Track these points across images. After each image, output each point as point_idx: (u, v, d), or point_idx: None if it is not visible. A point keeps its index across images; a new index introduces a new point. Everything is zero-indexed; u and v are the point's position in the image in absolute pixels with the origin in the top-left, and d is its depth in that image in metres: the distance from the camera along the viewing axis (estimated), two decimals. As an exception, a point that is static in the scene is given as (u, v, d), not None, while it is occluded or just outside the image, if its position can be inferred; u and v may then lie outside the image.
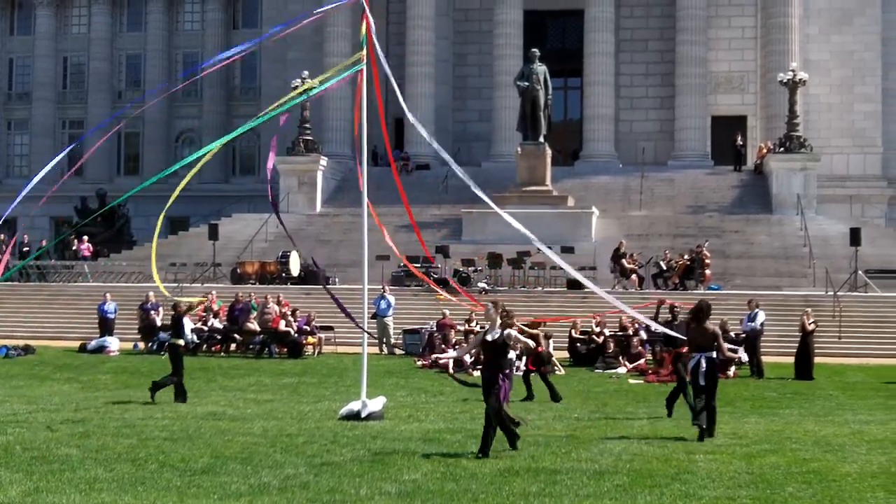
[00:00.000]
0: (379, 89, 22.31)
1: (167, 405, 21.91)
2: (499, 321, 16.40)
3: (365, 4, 20.92)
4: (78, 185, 74.84)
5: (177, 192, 20.97)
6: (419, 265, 47.28)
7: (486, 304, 17.04)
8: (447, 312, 37.74)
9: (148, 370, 30.87)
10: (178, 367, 23.26)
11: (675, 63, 64.50)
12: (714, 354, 18.30)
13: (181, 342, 24.14)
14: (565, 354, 34.89)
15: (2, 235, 59.83)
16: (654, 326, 23.90)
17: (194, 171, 22.66)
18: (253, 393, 24.54)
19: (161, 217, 22.82)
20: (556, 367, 32.23)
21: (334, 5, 24.31)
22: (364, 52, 21.03)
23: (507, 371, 16.71)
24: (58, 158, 24.38)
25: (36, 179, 20.61)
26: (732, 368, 31.49)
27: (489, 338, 16.38)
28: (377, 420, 19.57)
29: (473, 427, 18.89)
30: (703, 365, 18.07)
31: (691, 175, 60.52)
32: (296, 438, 17.25)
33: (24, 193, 20.54)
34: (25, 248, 57.79)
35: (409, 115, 21.62)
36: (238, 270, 48.92)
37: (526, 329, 23.66)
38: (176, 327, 24.33)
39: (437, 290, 25.97)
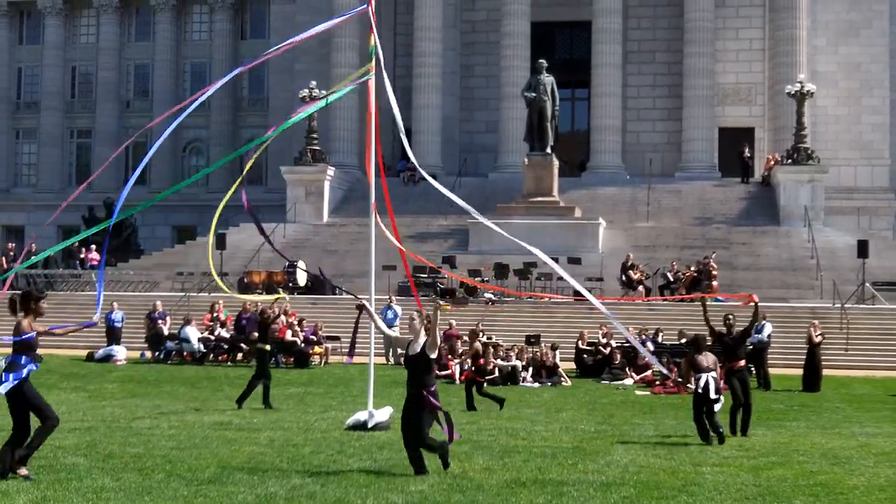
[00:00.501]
0: (375, 101, 22.20)
1: (173, 415, 21.91)
2: (423, 333, 15.56)
3: (372, 18, 20.94)
4: (85, 195, 74.68)
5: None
6: (425, 275, 47.40)
7: (412, 314, 16.15)
8: (453, 323, 37.79)
9: (155, 379, 30.93)
10: (265, 371, 24.15)
11: (682, 74, 64.51)
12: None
13: (268, 347, 24.93)
14: (572, 365, 34.89)
15: (10, 245, 59.95)
16: (639, 348, 23.94)
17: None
18: (259, 403, 24.52)
19: (218, 212, 22.60)
20: (562, 378, 32.27)
21: (344, 17, 24.12)
22: (373, 62, 21.06)
23: (433, 388, 15.33)
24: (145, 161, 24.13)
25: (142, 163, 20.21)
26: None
27: (410, 352, 15.45)
28: (384, 430, 19.56)
29: (480, 438, 18.90)
30: (712, 382, 19.04)
31: (698, 186, 60.50)
32: (302, 448, 17.25)
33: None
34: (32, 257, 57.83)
35: (400, 124, 21.51)
36: (245, 280, 48.95)
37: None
38: (263, 332, 25.01)
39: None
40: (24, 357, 14.33)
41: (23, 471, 14.10)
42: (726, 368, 20.75)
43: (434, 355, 15.52)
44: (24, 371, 14.31)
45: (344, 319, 41.12)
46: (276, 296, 30.26)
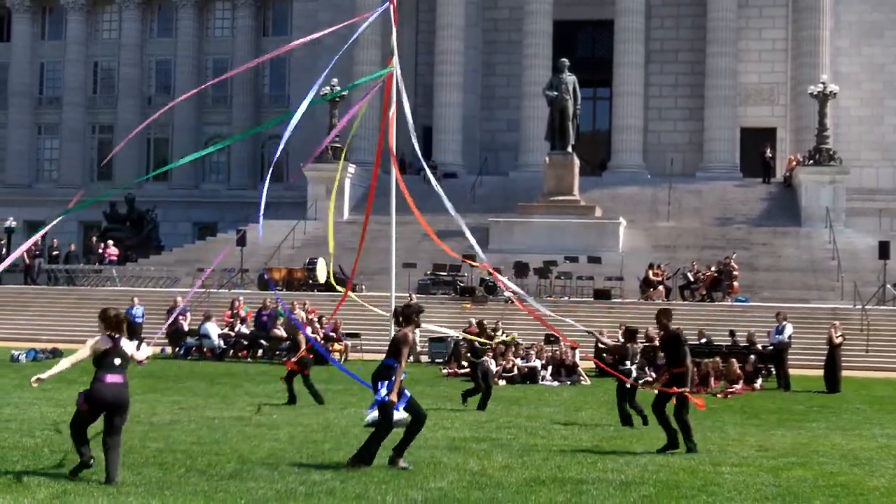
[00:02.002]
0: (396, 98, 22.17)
1: (193, 410, 21.96)
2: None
3: (393, 17, 20.97)
4: (107, 190, 75.18)
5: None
6: (445, 273, 47.43)
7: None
8: (474, 321, 37.74)
9: (175, 375, 31.02)
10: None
11: (704, 74, 64.41)
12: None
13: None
14: (591, 364, 34.83)
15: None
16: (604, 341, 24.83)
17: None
18: (279, 399, 24.57)
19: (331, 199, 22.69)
20: (581, 377, 32.24)
21: (367, 23, 24.14)
22: (395, 58, 21.10)
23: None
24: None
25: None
26: (759, 381, 31.44)
27: None
28: (403, 427, 19.55)
29: (500, 436, 18.91)
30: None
31: (720, 187, 60.38)
32: (322, 445, 17.28)
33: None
34: (55, 252, 58.10)
35: (410, 124, 21.54)
36: (265, 276, 49.02)
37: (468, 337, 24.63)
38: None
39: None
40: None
41: (402, 463, 15.06)
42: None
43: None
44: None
45: (364, 317, 41.17)
46: (506, 338, 30.73)
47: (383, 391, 15.04)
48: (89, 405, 13.82)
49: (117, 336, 14.00)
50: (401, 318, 15.65)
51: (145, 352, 14.78)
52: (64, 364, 14.13)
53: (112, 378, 13.81)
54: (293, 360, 24.16)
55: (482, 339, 27.24)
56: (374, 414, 19.98)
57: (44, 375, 14.13)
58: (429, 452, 16.47)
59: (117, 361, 13.90)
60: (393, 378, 15.02)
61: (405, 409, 15.38)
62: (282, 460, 15.53)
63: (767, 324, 36.26)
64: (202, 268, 49.33)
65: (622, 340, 22.32)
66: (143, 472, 14.33)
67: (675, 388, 17.42)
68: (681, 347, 17.74)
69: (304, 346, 24.30)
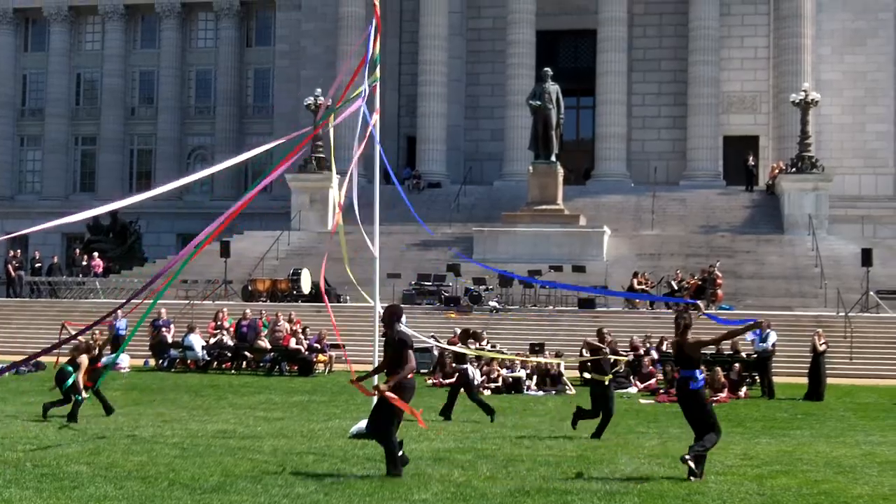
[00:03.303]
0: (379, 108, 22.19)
1: (176, 423, 21.89)
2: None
3: (375, 34, 20.96)
4: (90, 202, 74.96)
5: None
6: (430, 283, 47.43)
7: None
8: (458, 331, 37.74)
9: (158, 387, 30.94)
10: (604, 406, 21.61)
11: (687, 83, 64.60)
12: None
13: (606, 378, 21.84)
14: (576, 374, 34.79)
15: (12, 252, 59.93)
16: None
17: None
18: (263, 411, 24.53)
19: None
20: (566, 387, 32.22)
21: (360, 62, 24.15)
22: (377, 71, 21.09)
23: None
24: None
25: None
26: (744, 389, 31.49)
27: None
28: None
29: (484, 447, 18.88)
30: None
31: (703, 195, 60.52)
32: (306, 457, 17.24)
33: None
34: (37, 265, 57.91)
35: (377, 137, 21.52)
36: (249, 288, 48.97)
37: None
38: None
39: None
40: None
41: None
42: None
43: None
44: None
45: (348, 328, 41.14)
46: (622, 358, 26.43)
47: None
48: None
49: None
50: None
51: None
52: None
53: None
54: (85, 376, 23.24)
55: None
56: (360, 425, 19.99)
57: None
58: (413, 464, 16.42)
59: None
60: None
61: None
62: (265, 473, 15.48)
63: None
64: (186, 279, 49.34)
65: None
66: (125, 485, 14.27)
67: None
68: (404, 351, 16.07)
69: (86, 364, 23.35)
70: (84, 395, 22.61)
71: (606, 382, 21.65)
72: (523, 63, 64.59)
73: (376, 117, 20.81)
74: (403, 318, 18.06)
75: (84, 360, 23.14)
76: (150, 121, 78.47)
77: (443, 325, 42.26)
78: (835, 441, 20.98)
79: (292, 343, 37.25)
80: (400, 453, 15.46)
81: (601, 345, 21.99)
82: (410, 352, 15.87)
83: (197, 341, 38.59)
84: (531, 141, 54.53)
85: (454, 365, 26.25)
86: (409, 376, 15.73)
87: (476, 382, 31.74)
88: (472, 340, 26.92)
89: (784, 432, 22.43)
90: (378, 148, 20.87)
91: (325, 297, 29.35)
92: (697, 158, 63.62)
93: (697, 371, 16.00)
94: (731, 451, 18.94)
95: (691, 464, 15.50)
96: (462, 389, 24.68)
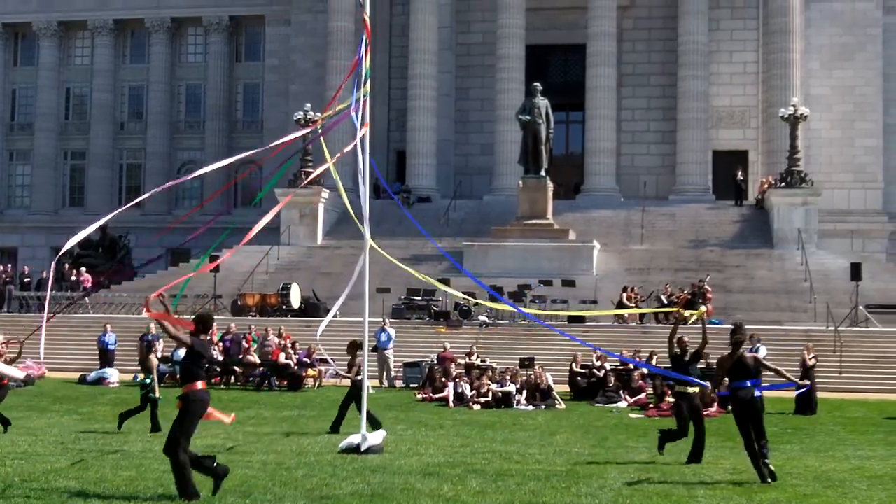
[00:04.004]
0: (368, 123, 22.17)
1: (165, 438, 21.79)
2: None
3: (365, 48, 20.97)
4: (79, 216, 74.87)
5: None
6: (420, 298, 47.39)
7: None
8: (448, 345, 37.78)
9: (147, 402, 30.79)
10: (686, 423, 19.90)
11: (676, 98, 64.72)
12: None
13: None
14: (566, 388, 34.82)
15: (1, 266, 59.81)
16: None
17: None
18: (252, 426, 24.48)
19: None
20: (556, 401, 32.20)
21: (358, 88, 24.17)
22: (367, 85, 21.09)
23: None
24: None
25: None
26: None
27: None
28: (377, 454, 19.52)
29: (474, 461, 18.85)
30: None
31: (692, 209, 60.60)
32: (295, 472, 17.20)
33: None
34: (26, 279, 57.77)
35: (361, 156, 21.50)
36: (239, 302, 48.91)
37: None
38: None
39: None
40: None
41: None
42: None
43: None
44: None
45: (338, 343, 41.09)
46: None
47: None
48: None
49: None
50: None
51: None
52: None
53: None
54: None
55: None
56: (350, 440, 19.96)
57: None
58: (402, 478, 16.41)
59: None
60: None
61: None
62: (254, 487, 15.45)
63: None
64: (175, 294, 49.12)
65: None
66: (113, 500, 14.22)
67: None
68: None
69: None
70: None
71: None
72: (513, 78, 64.68)
73: (366, 130, 20.80)
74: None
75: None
76: (140, 135, 78.46)
77: (432, 339, 42.26)
78: (824, 455, 20.99)
79: (282, 358, 37.21)
80: (214, 464, 15.11)
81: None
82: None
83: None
84: (521, 155, 54.56)
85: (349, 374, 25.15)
86: (201, 386, 15.21)
87: (466, 396, 31.83)
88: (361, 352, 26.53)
89: (773, 446, 22.34)
90: (365, 158, 20.82)
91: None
92: (687, 173, 63.72)
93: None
94: (720, 465, 18.94)
95: (772, 467, 17.00)
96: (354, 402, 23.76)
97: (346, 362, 24.93)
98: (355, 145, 20.75)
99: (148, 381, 24.21)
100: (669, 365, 19.87)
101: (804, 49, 64.63)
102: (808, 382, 20.03)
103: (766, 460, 16.91)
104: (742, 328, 17.80)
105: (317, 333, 21.45)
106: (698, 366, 20.07)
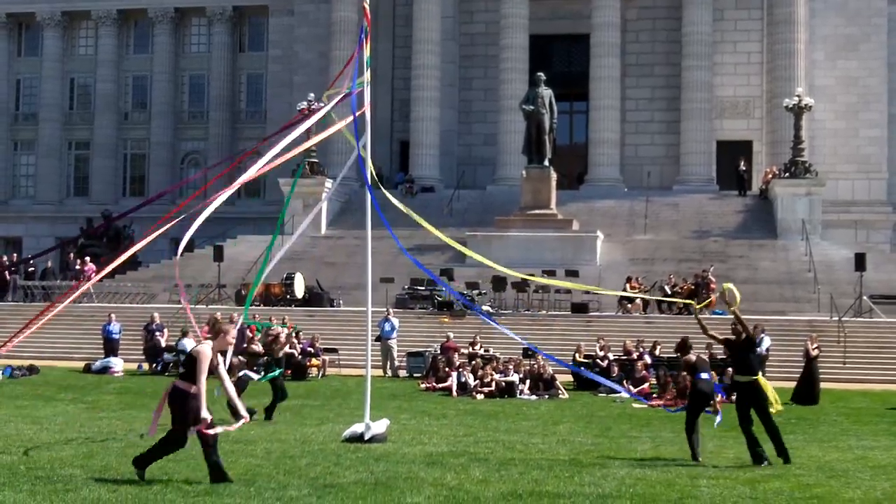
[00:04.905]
0: (371, 112, 22.21)
1: (169, 426, 21.84)
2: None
3: (366, 30, 20.98)
4: (83, 206, 75.07)
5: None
6: (423, 287, 47.43)
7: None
8: (451, 335, 37.81)
9: (152, 391, 30.88)
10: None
11: (680, 88, 64.66)
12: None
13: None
14: (569, 378, 34.84)
15: (5, 256, 59.92)
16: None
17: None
18: (256, 414, 24.51)
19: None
20: (559, 391, 32.23)
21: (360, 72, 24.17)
22: (368, 74, 21.12)
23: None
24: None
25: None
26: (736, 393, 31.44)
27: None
28: (380, 443, 19.56)
29: (477, 450, 18.88)
30: None
31: (696, 200, 60.59)
32: (299, 460, 17.23)
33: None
34: (31, 269, 57.82)
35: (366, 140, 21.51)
36: (242, 292, 48.91)
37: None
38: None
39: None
40: None
41: None
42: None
43: None
44: None
45: (341, 331, 41.18)
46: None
47: None
48: None
49: None
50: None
51: None
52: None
53: None
54: None
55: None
56: (353, 429, 20.01)
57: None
58: (406, 467, 16.46)
59: None
60: None
61: None
62: (258, 476, 15.48)
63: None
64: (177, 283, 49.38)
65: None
66: (119, 488, 14.26)
67: None
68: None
69: None
70: None
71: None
72: (516, 68, 64.66)
73: (367, 111, 20.82)
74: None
75: None
76: (144, 126, 78.51)
77: (436, 329, 42.31)
78: (827, 445, 21.01)
79: (286, 347, 37.20)
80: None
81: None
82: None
83: (190, 345, 38.53)
84: (524, 145, 54.57)
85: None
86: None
87: (469, 386, 31.88)
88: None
89: (776, 436, 22.43)
90: (367, 138, 20.81)
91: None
92: (691, 163, 63.69)
93: None
94: (723, 455, 18.97)
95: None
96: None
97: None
98: (358, 116, 20.69)
99: (276, 372, 24.64)
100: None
101: (808, 39, 64.54)
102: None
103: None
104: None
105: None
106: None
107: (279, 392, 24.64)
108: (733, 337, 18.73)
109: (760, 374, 18.70)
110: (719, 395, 29.55)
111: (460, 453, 18.47)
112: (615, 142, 64.66)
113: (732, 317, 18.68)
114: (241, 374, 24.24)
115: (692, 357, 19.25)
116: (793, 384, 32.61)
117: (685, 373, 21.01)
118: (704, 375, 18.86)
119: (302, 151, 22.43)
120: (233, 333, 15.05)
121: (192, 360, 14.72)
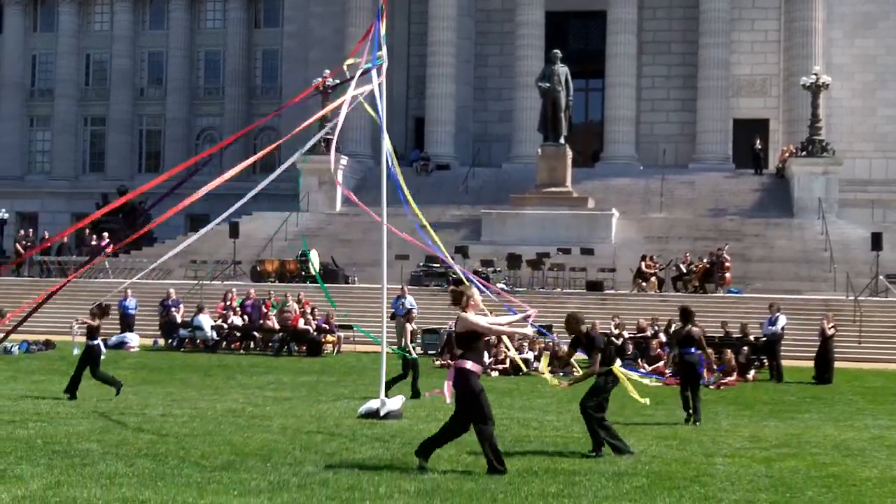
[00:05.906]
0: (387, 90, 22.18)
1: (185, 402, 21.94)
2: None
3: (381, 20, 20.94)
4: (99, 182, 75.19)
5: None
6: (438, 265, 47.42)
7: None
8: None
9: (168, 366, 31.01)
10: None
11: (697, 66, 64.44)
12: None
13: None
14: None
15: (22, 231, 60.05)
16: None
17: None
18: (272, 391, 24.58)
19: None
20: (574, 369, 32.20)
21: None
22: (384, 51, 21.09)
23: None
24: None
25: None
26: (752, 372, 31.46)
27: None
28: (396, 419, 19.59)
29: (492, 427, 18.87)
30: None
31: (712, 178, 60.44)
32: (314, 436, 17.27)
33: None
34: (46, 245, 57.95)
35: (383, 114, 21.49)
36: (258, 268, 49.06)
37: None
38: None
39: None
40: None
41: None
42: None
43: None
44: None
45: (357, 308, 41.18)
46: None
47: None
48: None
49: None
50: None
51: None
52: None
53: None
54: None
55: None
56: (369, 405, 20.03)
57: None
58: (422, 444, 16.46)
59: None
60: None
61: None
62: (274, 451, 15.52)
63: (760, 315, 36.34)
64: (195, 260, 49.54)
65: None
66: (135, 462, 14.31)
67: None
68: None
69: None
70: None
71: None
72: (532, 44, 64.49)
73: (382, 79, 20.77)
74: None
75: None
76: (159, 102, 78.57)
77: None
78: (843, 424, 20.99)
79: (301, 324, 37.33)
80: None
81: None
82: None
83: (206, 321, 38.71)
84: (540, 123, 54.49)
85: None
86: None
87: (484, 364, 31.81)
88: None
89: (792, 415, 22.44)
90: (382, 106, 20.80)
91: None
92: (707, 142, 63.49)
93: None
94: (739, 433, 18.97)
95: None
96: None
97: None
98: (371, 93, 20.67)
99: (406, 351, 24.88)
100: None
101: (826, 17, 64.25)
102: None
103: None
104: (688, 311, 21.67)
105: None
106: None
107: (409, 371, 24.70)
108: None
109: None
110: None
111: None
112: (631, 119, 64.52)
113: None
114: (94, 342, 22.87)
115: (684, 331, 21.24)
116: (808, 363, 32.61)
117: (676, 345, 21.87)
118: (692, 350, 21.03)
119: (321, 126, 22.41)
120: (477, 294, 15.02)
121: (464, 333, 14.50)
